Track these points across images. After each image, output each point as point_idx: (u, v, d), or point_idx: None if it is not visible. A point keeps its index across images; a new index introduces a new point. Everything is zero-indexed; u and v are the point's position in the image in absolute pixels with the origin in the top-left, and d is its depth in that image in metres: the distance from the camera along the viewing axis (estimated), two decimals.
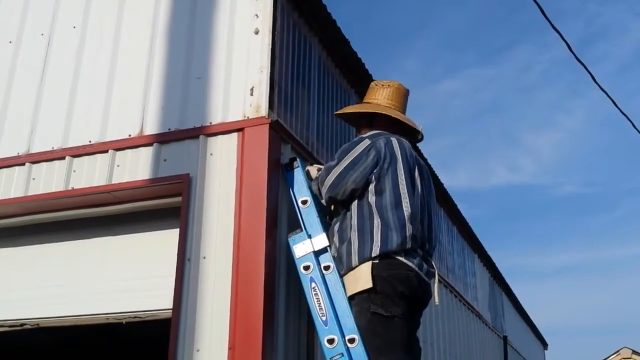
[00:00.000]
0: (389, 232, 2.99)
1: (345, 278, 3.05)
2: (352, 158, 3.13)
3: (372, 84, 3.53)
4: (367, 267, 2.95)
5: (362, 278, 2.94)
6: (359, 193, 3.10)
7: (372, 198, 3.07)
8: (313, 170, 3.44)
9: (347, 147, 3.20)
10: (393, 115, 3.33)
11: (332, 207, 3.29)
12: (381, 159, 3.11)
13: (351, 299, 3.00)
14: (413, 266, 3.01)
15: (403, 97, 3.45)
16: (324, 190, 3.19)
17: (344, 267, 3.05)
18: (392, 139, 3.21)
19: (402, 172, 3.13)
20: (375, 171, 3.09)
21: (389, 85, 3.43)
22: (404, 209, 3.06)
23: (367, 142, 3.17)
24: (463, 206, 8.09)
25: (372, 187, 3.08)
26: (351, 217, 3.09)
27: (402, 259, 2.99)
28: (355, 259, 2.98)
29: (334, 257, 3.13)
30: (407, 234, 3.01)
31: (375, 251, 2.96)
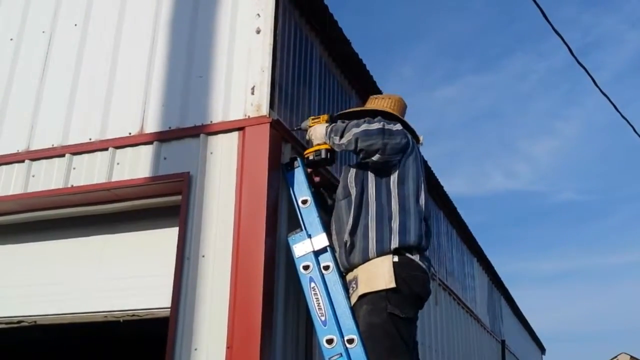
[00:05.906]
0: (407, 221, 3.00)
1: (360, 270, 2.99)
2: (393, 128, 3.12)
3: (371, 97, 3.58)
4: (387, 265, 2.92)
5: (382, 276, 2.91)
6: (376, 177, 3.09)
7: (393, 186, 3.08)
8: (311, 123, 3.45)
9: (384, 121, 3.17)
10: (399, 117, 3.35)
11: (343, 192, 3.18)
12: (408, 148, 3.15)
13: (362, 296, 2.93)
14: (425, 268, 3.05)
15: (403, 108, 3.52)
16: (355, 130, 3.07)
17: (358, 258, 2.99)
18: (410, 136, 3.26)
19: (421, 170, 3.21)
20: (401, 159, 3.11)
21: (389, 97, 3.50)
22: (422, 204, 3.12)
23: (399, 126, 3.20)
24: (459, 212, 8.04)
25: (395, 175, 3.09)
26: (368, 204, 3.06)
27: (417, 260, 3.01)
28: (373, 250, 2.96)
29: (346, 242, 3.03)
30: (423, 231, 3.06)
31: (395, 243, 2.95)
